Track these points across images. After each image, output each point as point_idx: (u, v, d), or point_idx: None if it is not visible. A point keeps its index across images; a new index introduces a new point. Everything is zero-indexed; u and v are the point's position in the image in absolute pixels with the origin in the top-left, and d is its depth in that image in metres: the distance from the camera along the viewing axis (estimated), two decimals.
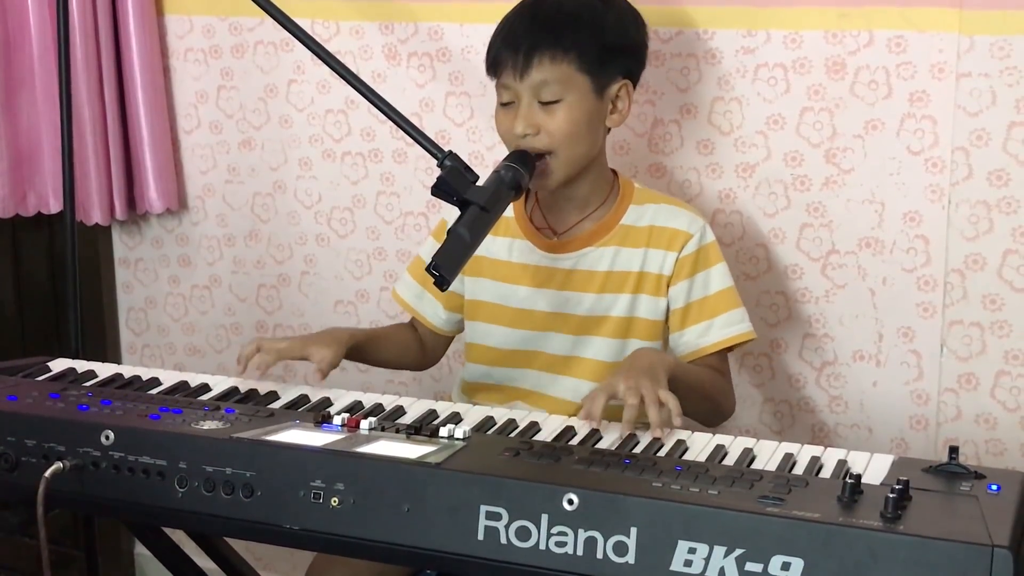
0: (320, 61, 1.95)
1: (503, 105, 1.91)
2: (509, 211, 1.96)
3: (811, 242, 2.18)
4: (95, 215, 2.55)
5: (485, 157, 2.34)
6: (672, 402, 1.64)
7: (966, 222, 2.07)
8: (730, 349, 1.97)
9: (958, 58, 2.02)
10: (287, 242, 2.57)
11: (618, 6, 1.95)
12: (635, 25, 1.96)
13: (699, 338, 1.94)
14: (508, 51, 1.88)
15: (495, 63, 1.91)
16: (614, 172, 2.01)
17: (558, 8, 1.90)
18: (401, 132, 1.89)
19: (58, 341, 2.79)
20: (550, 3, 1.91)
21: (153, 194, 2.56)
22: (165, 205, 2.58)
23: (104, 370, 1.91)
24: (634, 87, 1.95)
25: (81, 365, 1.93)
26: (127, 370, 1.91)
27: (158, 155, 2.55)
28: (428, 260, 1.69)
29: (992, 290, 2.07)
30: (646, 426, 1.64)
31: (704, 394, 1.86)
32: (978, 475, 1.49)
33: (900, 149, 2.09)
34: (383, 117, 1.91)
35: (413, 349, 2.11)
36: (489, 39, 1.95)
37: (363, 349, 1.99)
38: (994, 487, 1.45)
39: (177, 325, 2.71)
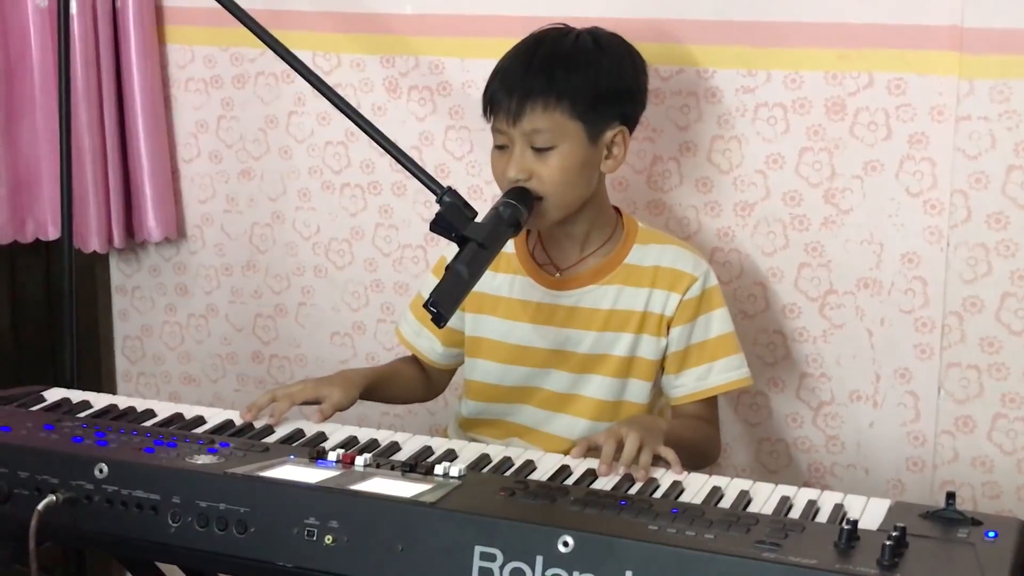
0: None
1: (498, 148, 1.91)
2: (510, 247, 1.96)
3: (809, 282, 2.18)
4: (93, 243, 2.54)
5: (484, 191, 2.34)
6: (671, 456, 1.68)
7: (965, 264, 2.07)
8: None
9: (958, 101, 2.03)
10: (285, 273, 2.57)
11: (615, 50, 1.93)
12: (632, 69, 1.94)
13: (698, 381, 1.94)
14: (502, 96, 1.88)
15: (490, 106, 1.91)
16: (617, 210, 2.01)
17: (553, 53, 1.89)
18: (397, 162, 1.89)
19: (54, 368, 2.78)
20: (546, 48, 1.91)
21: (152, 222, 2.56)
22: (163, 234, 2.58)
23: (99, 400, 1.91)
24: (632, 131, 1.94)
25: (76, 395, 1.92)
26: (122, 401, 1.90)
27: (157, 184, 2.55)
28: (427, 297, 1.69)
29: (990, 333, 2.07)
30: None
31: (693, 450, 1.86)
32: (975, 521, 1.48)
33: (899, 190, 2.10)
34: (382, 149, 1.92)
35: (419, 382, 2.12)
36: (488, 77, 1.95)
37: (375, 389, 2.00)
38: (991, 534, 1.44)
39: (173, 354, 2.70)
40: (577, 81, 1.86)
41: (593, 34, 1.93)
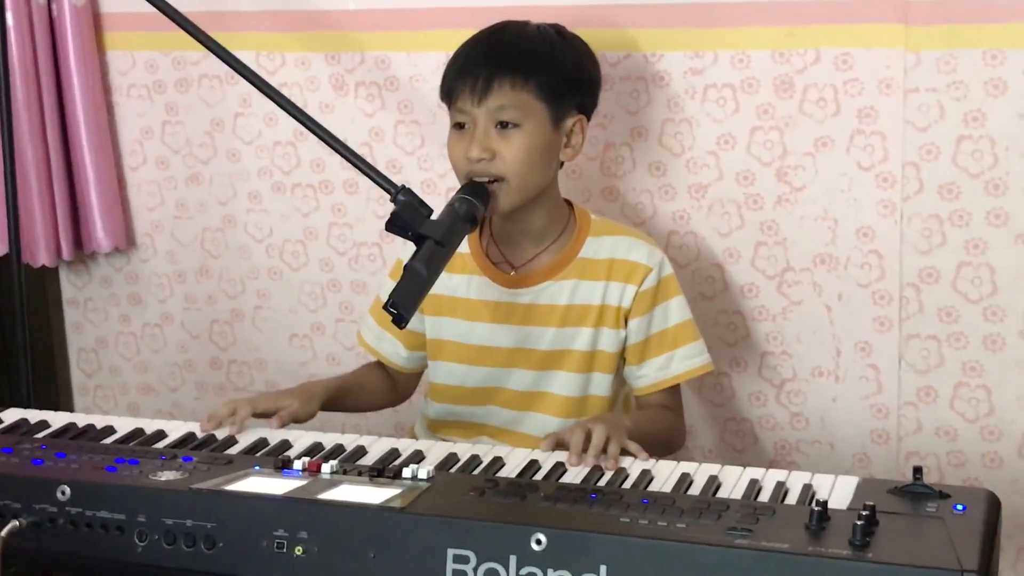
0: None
1: (457, 127, 1.89)
2: (465, 247, 1.94)
3: (766, 260, 2.18)
4: (41, 256, 2.50)
5: (437, 185, 2.33)
6: (635, 447, 1.69)
7: (919, 236, 2.08)
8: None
9: (905, 74, 2.03)
10: (239, 276, 2.54)
11: (575, 43, 1.96)
12: (592, 62, 1.98)
13: (659, 371, 1.94)
14: (467, 77, 1.87)
15: (452, 88, 1.90)
16: (569, 204, 2.00)
17: (518, 38, 1.91)
18: (349, 163, 1.88)
19: (8, 385, 2.74)
20: (510, 34, 1.92)
21: (100, 233, 2.53)
22: (113, 244, 2.54)
23: (57, 419, 1.87)
24: (587, 123, 1.95)
25: (33, 415, 1.89)
26: (81, 418, 1.87)
27: (104, 193, 2.52)
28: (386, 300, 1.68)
29: (947, 303, 2.08)
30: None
31: (656, 439, 1.85)
32: (943, 495, 1.48)
33: (851, 165, 2.10)
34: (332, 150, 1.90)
35: (386, 389, 2.10)
36: (443, 67, 1.94)
37: (337, 400, 1.98)
38: (960, 507, 1.45)
39: (129, 364, 2.67)
40: (544, 64, 1.87)
41: (555, 27, 1.96)
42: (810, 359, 2.19)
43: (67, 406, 2.71)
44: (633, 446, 1.68)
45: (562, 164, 1.95)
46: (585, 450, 1.65)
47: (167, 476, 1.56)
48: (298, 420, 1.86)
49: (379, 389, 2.09)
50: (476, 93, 1.85)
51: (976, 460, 2.11)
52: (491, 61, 1.86)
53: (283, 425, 1.82)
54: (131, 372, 2.67)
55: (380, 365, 2.11)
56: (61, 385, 2.73)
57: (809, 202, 2.13)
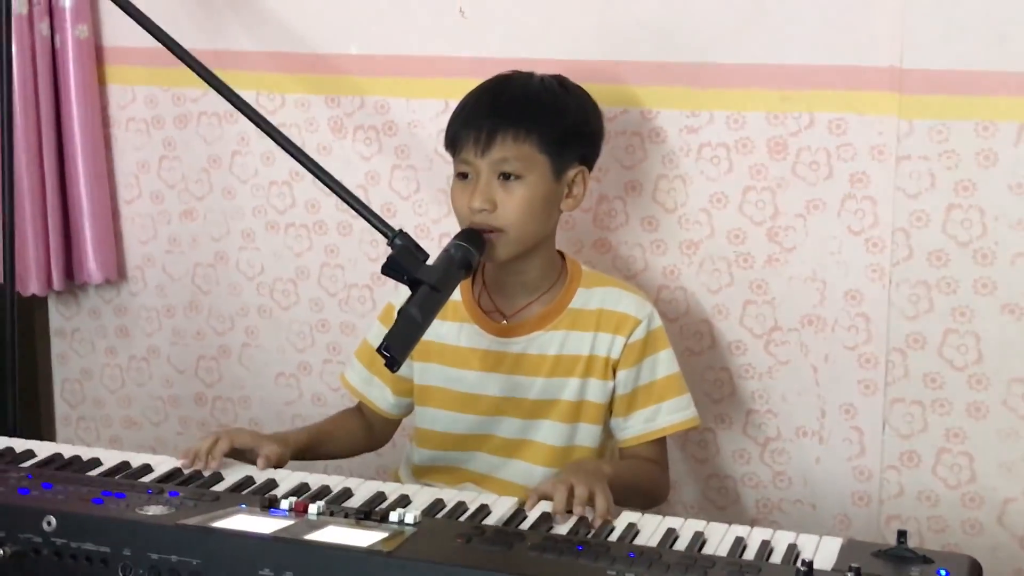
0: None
1: (460, 177, 1.91)
2: (457, 295, 1.95)
3: (754, 319, 2.20)
4: (32, 285, 2.50)
5: (431, 230, 2.34)
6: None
7: (907, 301, 2.10)
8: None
9: (898, 141, 2.06)
10: (228, 313, 2.54)
11: (579, 94, 1.99)
12: (594, 114, 2.00)
13: (646, 423, 1.95)
14: (470, 128, 1.89)
15: (456, 139, 1.91)
16: (561, 254, 2.02)
17: (522, 90, 1.93)
18: (347, 204, 1.89)
19: None
20: (514, 85, 1.94)
21: (92, 264, 2.53)
22: (104, 275, 2.55)
23: (43, 449, 1.87)
24: (588, 174, 1.97)
25: (19, 444, 1.88)
26: (67, 449, 1.87)
27: (97, 225, 2.52)
28: (376, 344, 1.68)
29: (932, 369, 2.10)
30: None
31: (637, 490, 1.86)
32: (926, 559, 1.49)
33: (841, 229, 2.12)
34: (328, 189, 1.91)
35: (360, 436, 2.09)
36: (441, 114, 1.96)
37: (308, 451, 1.96)
38: (943, 572, 1.45)
39: (113, 397, 2.66)
40: (546, 116, 1.90)
41: (558, 78, 1.99)
42: (795, 419, 2.20)
43: (49, 436, 2.70)
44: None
45: (561, 212, 1.97)
46: (570, 507, 1.65)
47: (154, 510, 1.56)
48: (280, 463, 1.85)
49: (355, 435, 2.08)
50: (479, 145, 1.87)
51: (957, 526, 2.12)
52: (494, 113, 1.88)
53: (268, 466, 1.82)
54: (115, 405, 2.66)
55: (357, 411, 2.10)
56: (44, 415, 2.72)
57: (799, 263, 2.16)
